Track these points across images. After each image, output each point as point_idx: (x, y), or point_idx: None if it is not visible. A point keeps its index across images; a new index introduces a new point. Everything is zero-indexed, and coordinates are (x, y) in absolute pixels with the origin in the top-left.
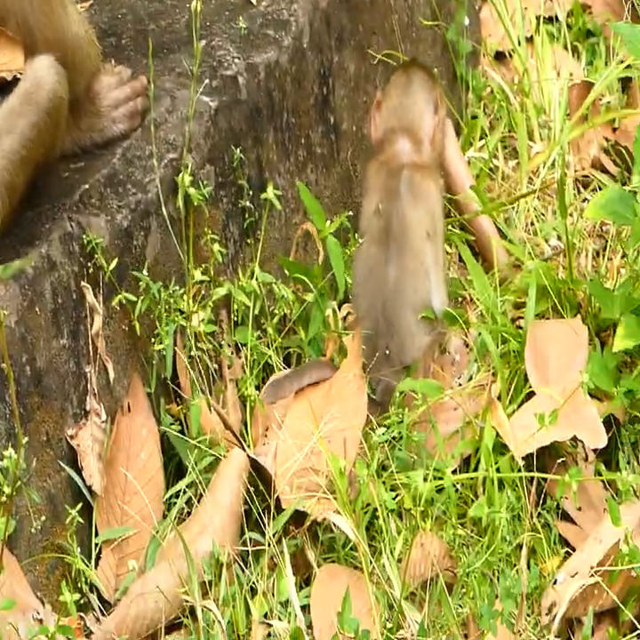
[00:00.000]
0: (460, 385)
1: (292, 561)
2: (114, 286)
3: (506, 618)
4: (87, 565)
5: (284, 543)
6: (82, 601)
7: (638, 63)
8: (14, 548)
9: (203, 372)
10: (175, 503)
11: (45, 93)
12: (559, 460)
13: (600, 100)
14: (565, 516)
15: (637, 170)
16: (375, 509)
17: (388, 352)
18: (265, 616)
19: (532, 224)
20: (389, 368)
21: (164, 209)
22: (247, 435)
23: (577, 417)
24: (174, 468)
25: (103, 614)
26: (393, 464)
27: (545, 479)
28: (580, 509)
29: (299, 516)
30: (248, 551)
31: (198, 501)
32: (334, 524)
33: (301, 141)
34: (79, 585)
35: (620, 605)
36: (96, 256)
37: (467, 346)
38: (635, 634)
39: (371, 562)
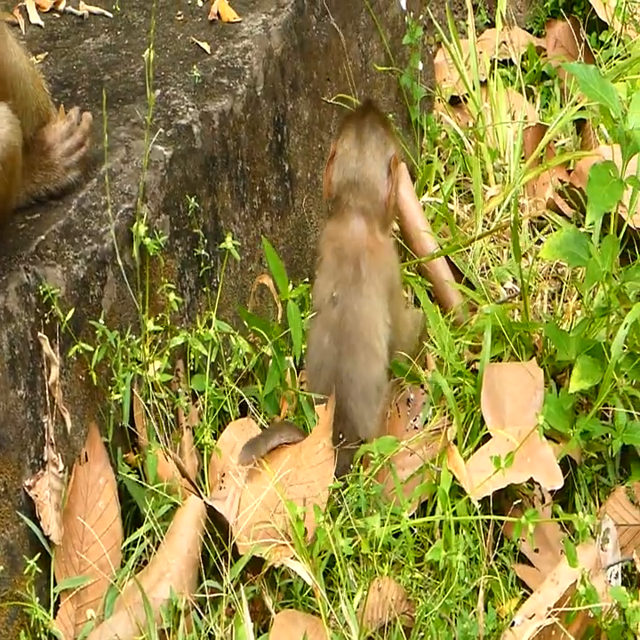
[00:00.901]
0: (416, 428)
1: (250, 607)
2: (71, 336)
3: None
4: (46, 615)
5: (241, 589)
6: None
7: (592, 105)
8: None
9: (160, 419)
10: (133, 551)
11: None
12: (516, 503)
13: (555, 142)
14: (522, 558)
15: (591, 210)
16: (332, 555)
17: (341, 436)
18: None
19: (488, 267)
20: (344, 445)
21: (119, 259)
22: (204, 482)
23: (533, 459)
24: (132, 517)
25: None
26: (349, 511)
27: (502, 522)
28: (536, 551)
29: (256, 563)
30: (206, 598)
31: (156, 549)
32: (292, 570)
33: (256, 189)
34: (38, 634)
35: None
36: (53, 306)
37: (422, 386)
38: None
39: (328, 607)
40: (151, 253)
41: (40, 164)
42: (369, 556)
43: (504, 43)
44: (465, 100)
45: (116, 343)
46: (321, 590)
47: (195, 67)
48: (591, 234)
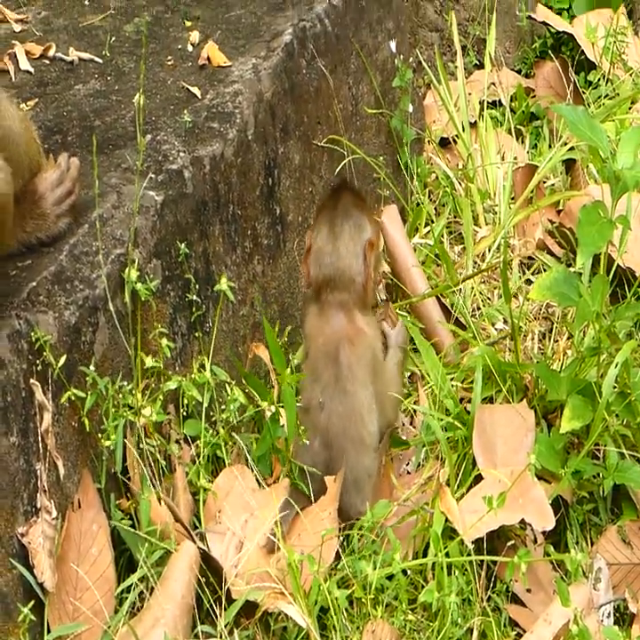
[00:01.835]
0: (409, 473)
1: None
2: (63, 383)
3: None
4: None
5: (235, 634)
6: None
7: (581, 145)
8: None
9: (153, 465)
10: (127, 597)
11: None
12: (509, 543)
13: (544, 182)
14: (515, 599)
15: (581, 251)
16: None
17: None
18: None
19: (479, 308)
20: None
21: (111, 304)
22: (198, 526)
23: (525, 500)
24: (125, 563)
25: None
26: (343, 557)
27: (494, 562)
28: (529, 591)
29: (250, 607)
30: None
31: (150, 595)
32: (286, 615)
33: (248, 233)
34: None
35: None
36: (44, 353)
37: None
38: None
39: None
40: (143, 298)
41: (32, 213)
42: (363, 600)
43: (493, 84)
44: (454, 141)
45: (106, 390)
46: (315, 634)
47: (185, 111)
48: (581, 273)
